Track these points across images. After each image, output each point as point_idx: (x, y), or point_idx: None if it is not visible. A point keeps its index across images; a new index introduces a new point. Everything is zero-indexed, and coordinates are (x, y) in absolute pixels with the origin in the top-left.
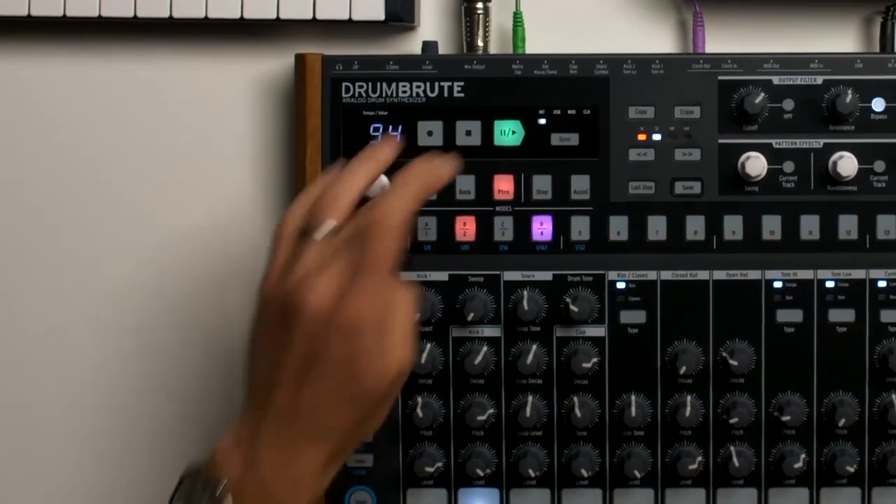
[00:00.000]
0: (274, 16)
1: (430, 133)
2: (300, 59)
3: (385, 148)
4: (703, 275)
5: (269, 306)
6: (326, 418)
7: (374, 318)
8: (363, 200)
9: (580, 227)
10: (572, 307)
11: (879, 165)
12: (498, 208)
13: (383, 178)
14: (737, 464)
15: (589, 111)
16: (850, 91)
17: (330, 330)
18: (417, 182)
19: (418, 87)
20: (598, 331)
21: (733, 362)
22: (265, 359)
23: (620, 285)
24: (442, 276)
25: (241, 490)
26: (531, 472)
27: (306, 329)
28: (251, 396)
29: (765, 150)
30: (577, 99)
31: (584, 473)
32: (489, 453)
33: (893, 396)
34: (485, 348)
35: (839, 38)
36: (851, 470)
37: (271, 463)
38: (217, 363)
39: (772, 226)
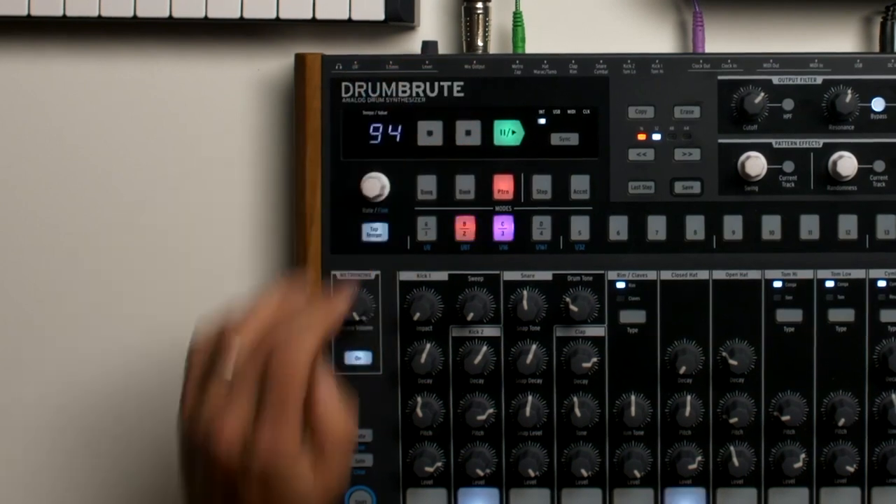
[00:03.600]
0: (274, 16)
1: (430, 133)
2: (300, 59)
3: (297, 289)
4: (703, 275)
5: (186, 442)
6: None
7: (285, 465)
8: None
9: (580, 227)
10: (572, 307)
11: (879, 165)
12: (498, 208)
13: (383, 178)
14: (737, 464)
15: (589, 111)
16: (849, 91)
17: (244, 478)
18: (318, 318)
19: (418, 86)
20: (598, 331)
21: (733, 362)
22: (193, 490)
23: (620, 285)
24: (442, 276)
25: None
26: (531, 472)
27: (221, 476)
28: None
29: (765, 149)
30: (577, 99)
31: (584, 473)
32: (489, 453)
33: (893, 396)
34: (485, 348)
35: (839, 38)
36: (851, 470)
37: None
38: None
39: (772, 226)
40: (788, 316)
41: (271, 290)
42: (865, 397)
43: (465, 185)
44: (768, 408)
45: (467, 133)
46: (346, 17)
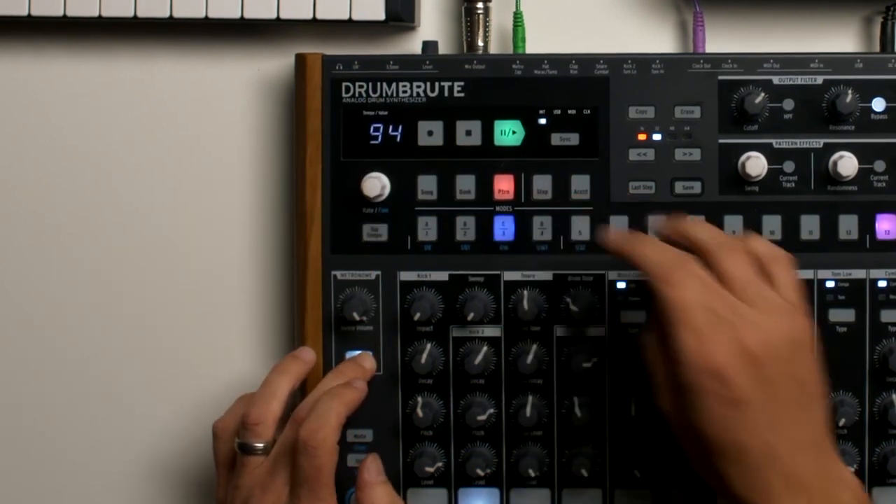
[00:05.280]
0: (274, 16)
1: (430, 133)
2: (300, 59)
3: (305, 354)
4: None
5: None
6: None
7: None
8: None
9: (580, 227)
10: (572, 307)
11: (879, 165)
12: (498, 208)
13: (383, 178)
14: None
15: (589, 111)
16: (850, 91)
17: None
18: (341, 398)
19: (418, 87)
20: (599, 331)
21: None
22: None
23: (620, 285)
24: (442, 276)
25: None
26: (531, 472)
27: None
28: None
29: (765, 150)
30: (577, 99)
31: (584, 473)
32: (489, 453)
33: (893, 396)
34: (485, 348)
35: (839, 38)
36: (852, 470)
37: None
38: (213, 357)
39: (772, 226)
40: None
41: (283, 365)
42: (866, 397)
43: (465, 185)
44: None
45: (468, 133)
46: (346, 17)
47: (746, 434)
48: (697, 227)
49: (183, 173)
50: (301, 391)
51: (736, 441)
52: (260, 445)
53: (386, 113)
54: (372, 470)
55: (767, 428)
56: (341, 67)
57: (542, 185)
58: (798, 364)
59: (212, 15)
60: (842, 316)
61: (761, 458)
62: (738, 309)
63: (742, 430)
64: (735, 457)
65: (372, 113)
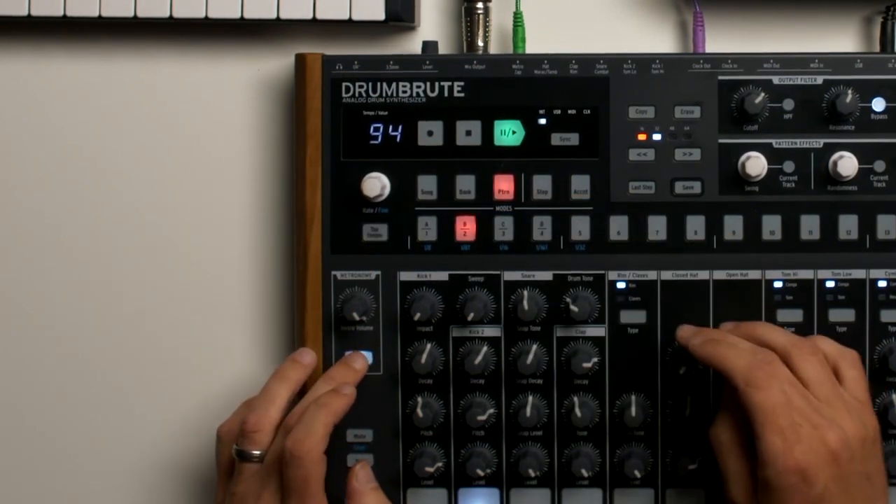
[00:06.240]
0: (274, 16)
1: (430, 133)
2: (300, 59)
3: (305, 357)
4: (703, 275)
5: None
6: None
7: None
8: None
9: (580, 227)
10: (572, 307)
11: (879, 165)
12: (498, 208)
13: (383, 178)
14: None
15: (589, 111)
16: (850, 91)
17: None
18: (328, 407)
19: (418, 87)
20: (598, 331)
21: None
22: None
23: (620, 285)
24: (442, 276)
25: None
26: (531, 472)
27: None
28: None
29: (765, 150)
30: (577, 99)
31: (584, 473)
32: (489, 453)
33: (893, 396)
34: (485, 348)
35: (839, 38)
36: None
37: None
38: (213, 358)
39: (772, 226)
40: (789, 316)
41: (282, 371)
42: None
43: (465, 185)
44: None
45: (468, 133)
46: (346, 17)
47: None
48: (770, 330)
49: (183, 173)
50: (301, 396)
51: None
52: (256, 453)
53: (386, 113)
54: (361, 477)
55: None
56: (341, 67)
57: (542, 185)
58: (868, 461)
59: (212, 15)
60: (842, 316)
61: None
62: (819, 409)
63: None
64: None
65: (372, 113)
